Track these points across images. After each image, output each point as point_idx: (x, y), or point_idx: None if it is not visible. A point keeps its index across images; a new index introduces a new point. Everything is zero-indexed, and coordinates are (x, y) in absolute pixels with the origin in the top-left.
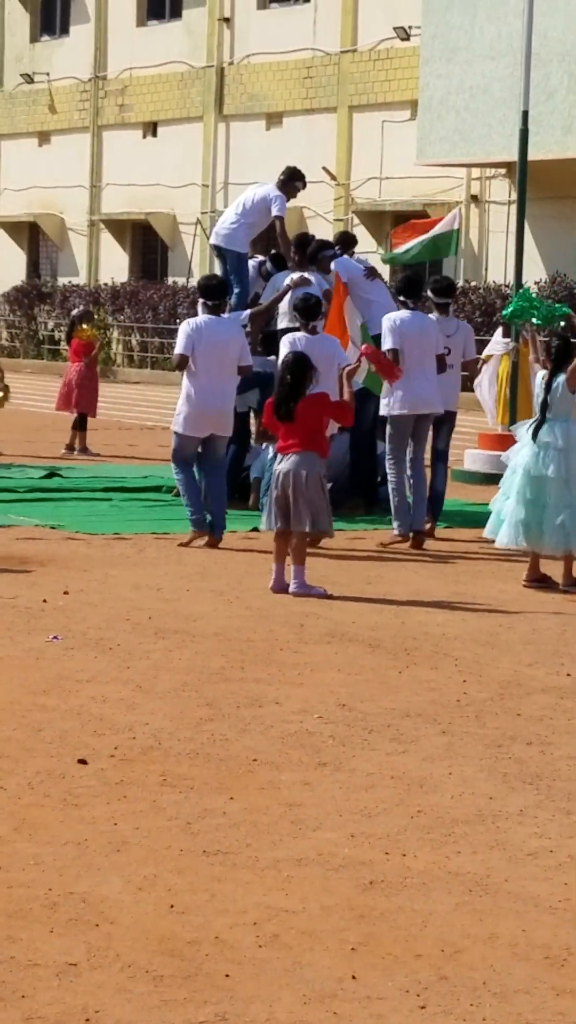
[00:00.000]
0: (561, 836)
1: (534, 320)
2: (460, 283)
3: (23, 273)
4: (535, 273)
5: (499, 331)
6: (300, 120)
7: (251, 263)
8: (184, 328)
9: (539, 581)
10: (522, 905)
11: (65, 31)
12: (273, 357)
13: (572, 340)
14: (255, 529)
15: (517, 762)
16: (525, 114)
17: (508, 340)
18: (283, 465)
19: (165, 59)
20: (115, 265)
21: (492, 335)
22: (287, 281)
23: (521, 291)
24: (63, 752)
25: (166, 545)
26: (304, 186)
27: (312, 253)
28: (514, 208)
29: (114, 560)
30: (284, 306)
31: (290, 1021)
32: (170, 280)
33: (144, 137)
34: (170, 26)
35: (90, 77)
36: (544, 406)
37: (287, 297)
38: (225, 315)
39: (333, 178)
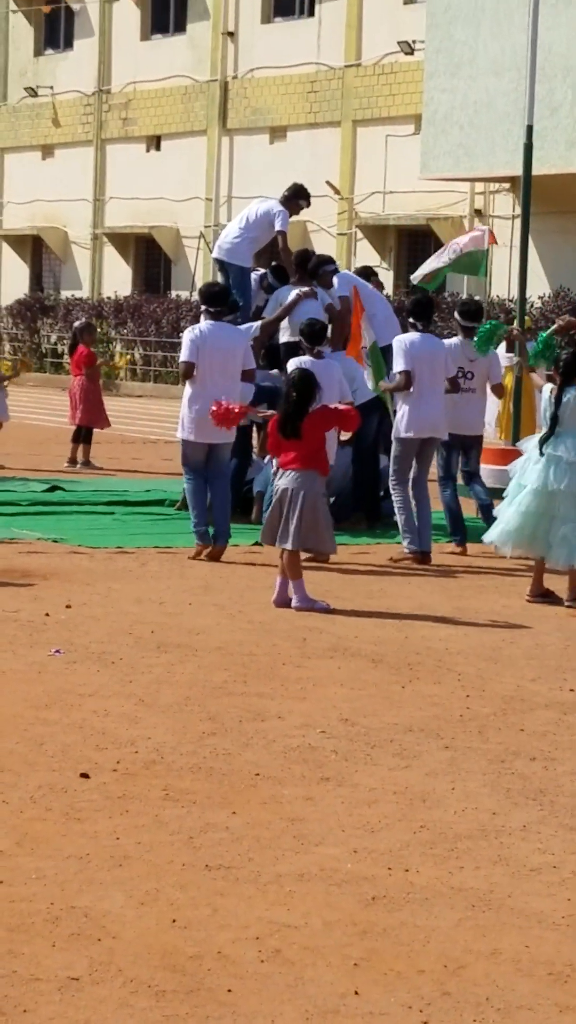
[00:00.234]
0: (564, 852)
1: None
2: (463, 298)
3: (26, 286)
4: (539, 288)
5: (502, 347)
6: (304, 134)
7: (253, 276)
8: (188, 335)
9: (543, 596)
10: (525, 921)
11: (69, 45)
12: (276, 371)
13: None
14: (258, 543)
15: (520, 777)
16: (529, 129)
17: (512, 355)
18: (282, 482)
19: (169, 73)
20: (118, 278)
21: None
22: (295, 293)
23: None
24: (65, 766)
25: (169, 559)
26: (308, 204)
27: (313, 268)
28: (518, 223)
29: (117, 574)
30: (286, 320)
31: None
32: (173, 294)
33: (148, 151)
34: (174, 40)
35: (94, 91)
36: (554, 420)
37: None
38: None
39: (337, 192)
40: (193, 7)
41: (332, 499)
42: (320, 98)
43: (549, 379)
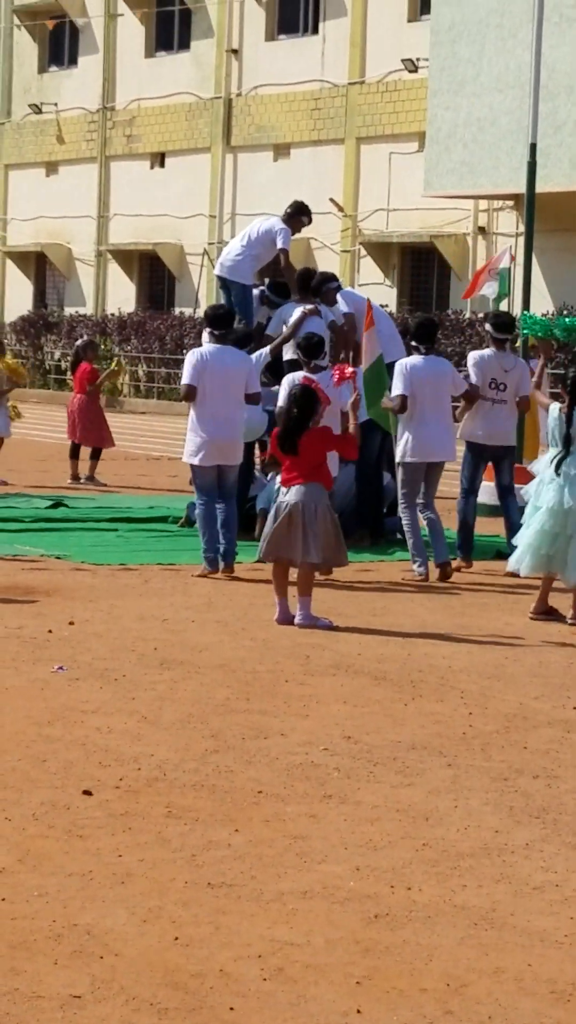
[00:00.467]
0: (567, 870)
1: (556, 332)
2: (467, 315)
3: (30, 303)
4: (542, 305)
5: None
6: (308, 151)
7: (254, 292)
8: (190, 359)
9: (546, 614)
10: (528, 939)
11: (73, 62)
12: (277, 387)
13: None
14: (260, 560)
15: (523, 795)
16: (533, 147)
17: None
18: (288, 497)
19: (173, 90)
20: (122, 295)
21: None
22: (299, 311)
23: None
24: (68, 783)
25: (172, 576)
26: (310, 221)
27: (316, 286)
28: (521, 240)
29: (120, 591)
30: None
31: None
32: (177, 310)
33: (152, 168)
34: (178, 57)
35: (98, 108)
36: (567, 440)
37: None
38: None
39: (340, 209)
40: (197, 24)
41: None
42: (324, 115)
43: (554, 397)
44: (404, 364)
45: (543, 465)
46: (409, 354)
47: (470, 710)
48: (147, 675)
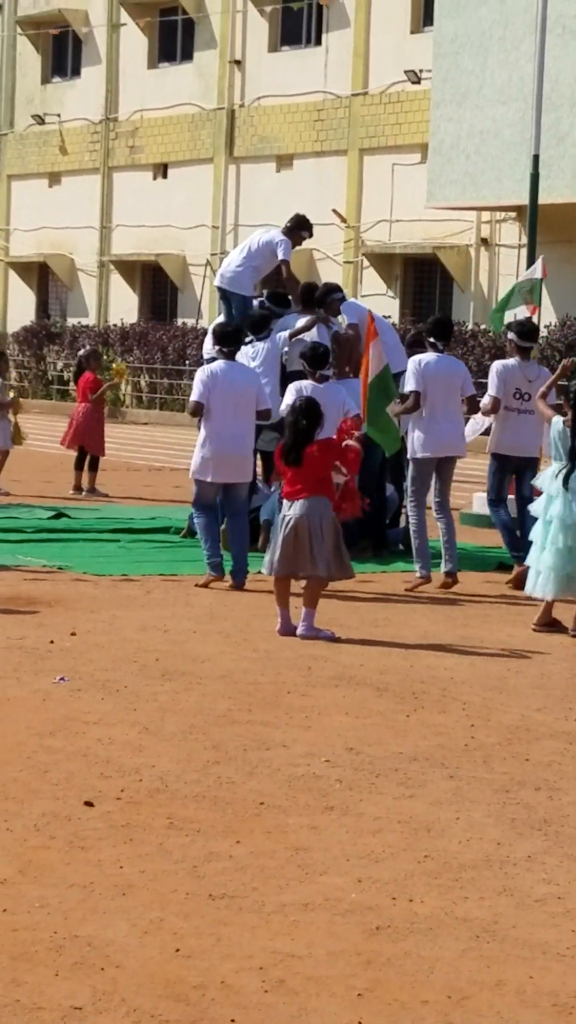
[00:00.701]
0: (569, 882)
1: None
2: (470, 326)
3: (32, 313)
4: (545, 317)
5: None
6: (310, 162)
7: (254, 303)
8: (199, 375)
9: (549, 626)
10: (530, 952)
11: (76, 72)
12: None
13: None
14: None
15: (525, 807)
16: (536, 158)
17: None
18: (293, 511)
19: (176, 101)
20: (124, 306)
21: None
22: (310, 318)
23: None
24: (69, 794)
25: (173, 587)
26: (310, 235)
27: (320, 297)
28: (524, 251)
29: (121, 601)
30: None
31: None
32: (179, 321)
33: (154, 178)
34: (181, 68)
35: (101, 118)
36: (573, 453)
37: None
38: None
39: (343, 220)
40: (200, 35)
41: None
42: (327, 126)
43: (557, 409)
44: (417, 361)
45: (547, 479)
46: (423, 351)
47: (472, 722)
48: (149, 686)
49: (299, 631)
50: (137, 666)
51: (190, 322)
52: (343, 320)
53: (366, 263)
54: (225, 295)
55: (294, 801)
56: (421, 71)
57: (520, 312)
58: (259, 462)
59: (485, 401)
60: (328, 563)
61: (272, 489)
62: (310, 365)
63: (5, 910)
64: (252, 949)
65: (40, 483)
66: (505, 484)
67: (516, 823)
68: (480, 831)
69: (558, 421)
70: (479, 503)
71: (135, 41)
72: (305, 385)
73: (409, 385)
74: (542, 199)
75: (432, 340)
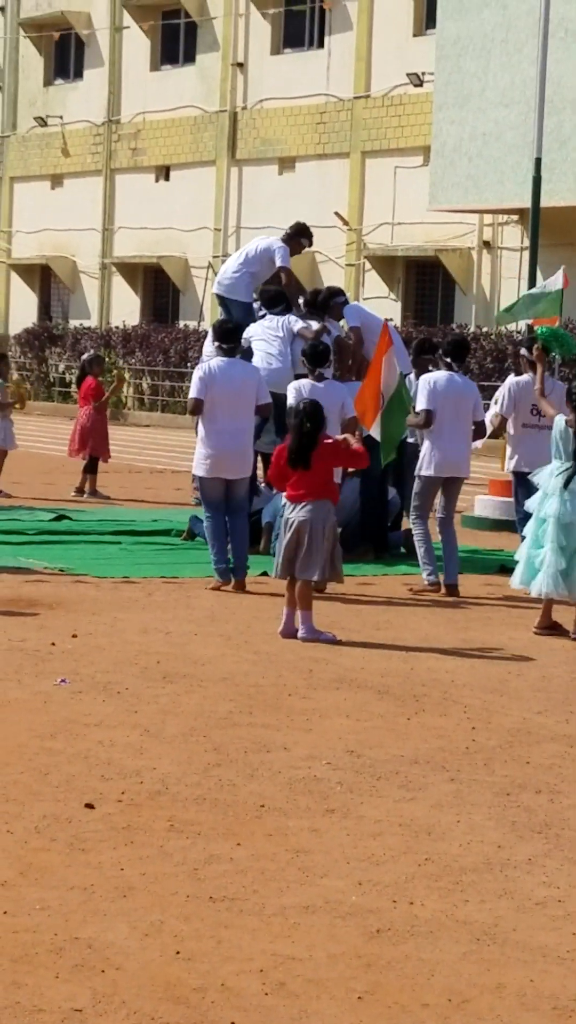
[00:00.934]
0: (570, 885)
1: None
2: (471, 329)
3: (35, 315)
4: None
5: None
6: (313, 165)
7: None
8: (197, 372)
9: (549, 628)
10: (530, 955)
11: (79, 75)
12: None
13: None
14: (264, 573)
15: (526, 810)
16: (538, 161)
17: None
18: (297, 514)
19: (178, 103)
20: (126, 308)
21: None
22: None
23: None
24: (70, 796)
25: (175, 589)
26: (310, 244)
27: (324, 301)
28: (526, 255)
29: (123, 603)
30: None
31: None
32: (181, 324)
33: (157, 181)
34: (184, 71)
35: (103, 121)
36: (575, 454)
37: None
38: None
39: (345, 223)
40: (203, 38)
41: (340, 529)
42: (329, 129)
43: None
44: (428, 380)
45: (545, 476)
46: (430, 356)
47: (473, 725)
48: (150, 688)
49: (300, 634)
50: (138, 668)
51: (192, 324)
52: (344, 324)
53: (368, 266)
54: (224, 302)
55: (295, 804)
56: (423, 74)
57: (526, 323)
58: (260, 464)
59: (490, 416)
60: (323, 568)
61: (273, 491)
62: (310, 363)
63: (6, 912)
64: (252, 951)
65: (42, 485)
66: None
67: (517, 826)
68: (481, 834)
69: (560, 420)
70: (481, 506)
71: (137, 43)
72: (304, 384)
73: (420, 403)
74: (544, 202)
75: (448, 360)
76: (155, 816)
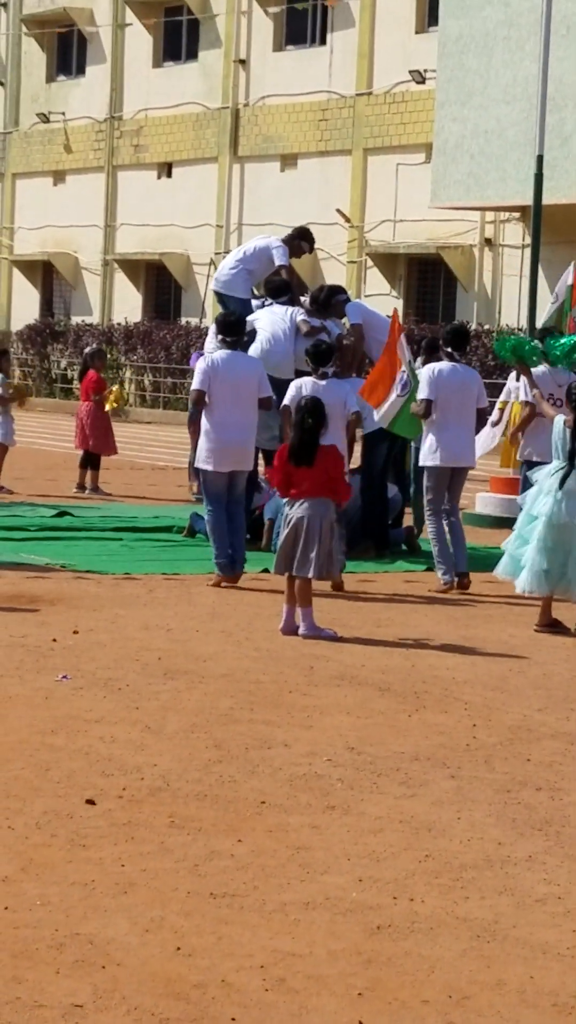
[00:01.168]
0: (570, 883)
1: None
2: (473, 326)
3: (36, 312)
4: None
5: (512, 376)
6: (315, 162)
7: (254, 303)
8: (200, 364)
9: (550, 626)
10: (530, 951)
11: (81, 71)
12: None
13: None
14: (265, 570)
15: (526, 808)
16: (540, 158)
17: (519, 384)
18: (296, 511)
19: (180, 100)
20: (128, 305)
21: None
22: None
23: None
24: (71, 792)
25: (176, 585)
26: (311, 249)
27: (325, 299)
28: (528, 252)
29: (124, 600)
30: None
31: None
32: (183, 320)
33: (159, 177)
34: (186, 67)
35: (106, 117)
36: (572, 455)
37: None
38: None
39: (347, 220)
40: (205, 35)
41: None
42: (331, 126)
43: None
44: (432, 369)
45: (544, 475)
46: (438, 356)
47: (474, 722)
48: (151, 685)
49: (300, 631)
50: (139, 665)
51: (194, 321)
52: (346, 322)
53: (370, 263)
54: (222, 299)
55: (295, 800)
56: (426, 71)
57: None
58: (261, 460)
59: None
60: (321, 565)
61: (274, 488)
62: (314, 362)
63: (6, 908)
64: (253, 948)
65: (43, 481)
66: None
67: (517, 823)
68: (481, 831)
69: (559, 421)
70: (482, 503)
71: (140, 40)
72: (306, 382)
73: (422, 393)
74: (546, 199)
75: (448, 350)
76: (156, 812)
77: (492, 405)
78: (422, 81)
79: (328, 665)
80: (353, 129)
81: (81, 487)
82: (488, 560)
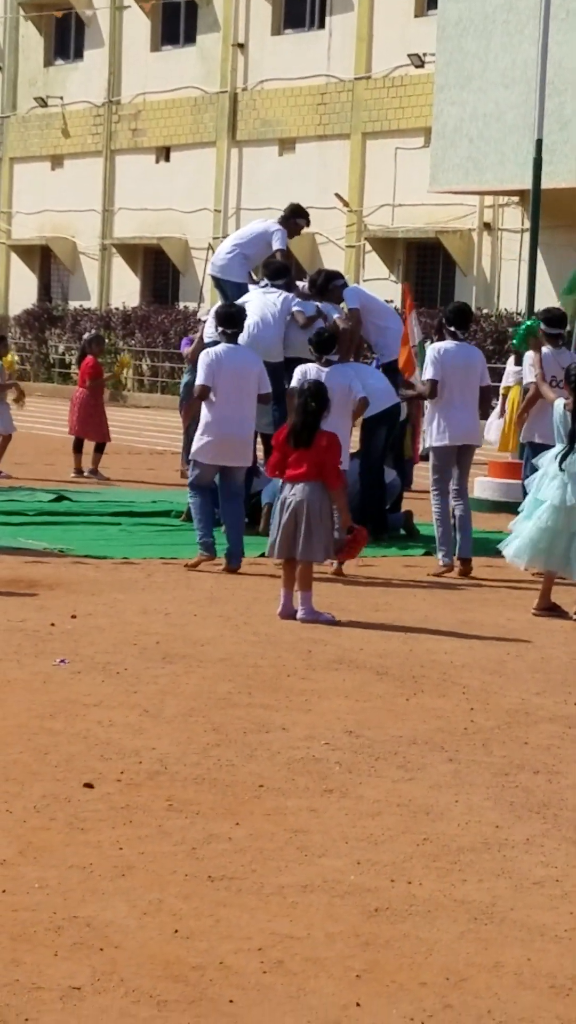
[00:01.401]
0: (567, 865)
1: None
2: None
3: (34, 296)
4: (547, 301)
5: (511, 360)
6: (313, 146)
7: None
8: (203, 359)
9: (549, 610)
10: (528, 934)
11: (79, 55)
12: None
13: None
14: (263, 555)
15: (524, 791)
16: (539, 142)
17: (519, 368)
18: (294, 494)
19: (179, 84)
20: (126, 289)
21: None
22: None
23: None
24: (69, 776)
25: (174, 570)
26: (308, 223)
27: (322, 285)
28: (527, 236)
29: (122, 584)
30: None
31: None
32: (181, 305)
33: (157, 162)
34: (184, 51)
35: (104, 101)
36: (572, 436)
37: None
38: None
39: (346, 205)
40: (203, 18)
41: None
42: (330, 110)
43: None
44: (436, 348)
45: (548, 459)
46: (443, 339)
47: (472, 705)
48: (149, 669)
49: (299, 615)
50: (137, 649)
51: (192, 306)
52: (344, 307)
53: (368, 247)
54: (219, 283)
55: (293, 784)
56: (425, 55)
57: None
58: (260, 445)
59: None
60: (325, 548)
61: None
62: (317, 350)
63: (5, 891)
64: (251, 930)
65: (42, 466)
66: None
67: (515, 806)
68: (479, 814)
69: (559, 404)
70: (480, 488)
71: (138, 24)
72: (310, 368)
73: (427, 373)
74: (545, 184)
75: (452, 329)
76: (154, 796)
77: (494, 390)
78: (421, 65)
79: (326, 649)
80: (352, 113)
81: (78, 471)
82: (486, 544)
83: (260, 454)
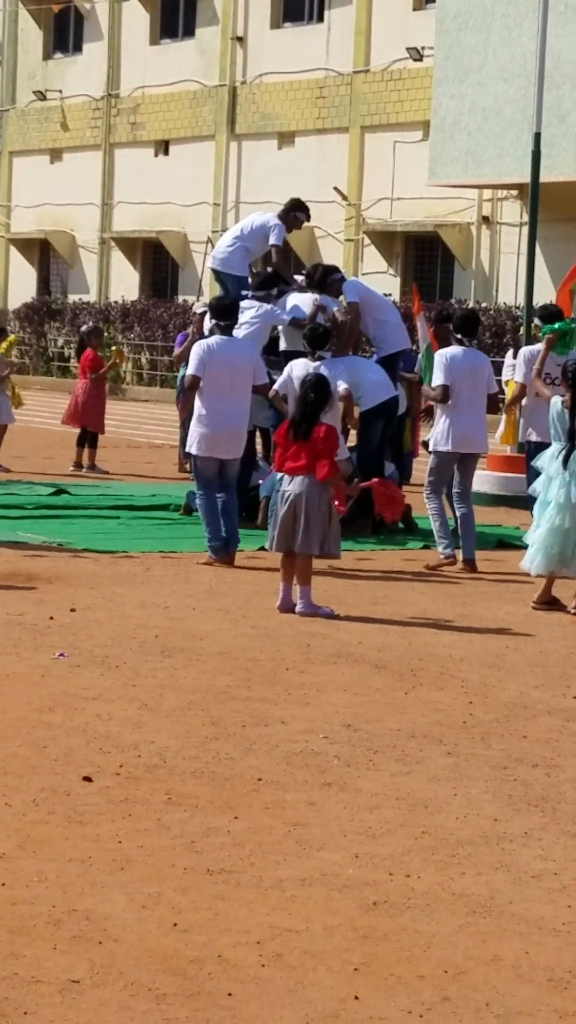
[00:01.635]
0: (566, 858)
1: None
2: (470, 304)
3: (33, 290)
4: (546, 295)
5: (509, 353)
6: (312, 140)
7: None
8: (196, 349)
9: (548, 603)
10: (526, 927)
11: (78, 49)
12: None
13: None
14: (262, 548)
15: (522, 784)
16: (537, 136)
17: (515, 363)
18: (293, 487)
19: (178, 77)
20: (125, 283)
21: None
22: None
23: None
24: (68, 769)
25: (173, 564)
26: (307, 218)
27: (320, 279)
28: (525, 230)
29: (121, 578)
30: (287, 330)
31: None
32: (180, 299)
33: (156, 155)
34: (183, 45)
35: (103, 95)
36: (572, 433)
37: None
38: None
39: (344, 198)
40: (202, 12)
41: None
42: (328, 104)
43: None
44: (444, 354)
45: (547, 460)
46: (446, 326)
47: (470, 699)
48: (148, 662)
49: (298, 608)
50: (136, 642)
51: (191, 299)
52: (343, 300)
53: (367, 241)
54: (220, 276)
55: (292, 777)
56: (423, 48)
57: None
58: (260, 439)
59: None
60: (322, 541)
61: (272, 466)
62: (310, 345)
63: (4, 884)
64: (249, 924)
65: (41, 460)
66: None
67: (513, 800)
68: (477, 807)
69: (557, 402)
70: (479, 481)
71: (137, 17)
72: (296, 364)
73: (437, 379)
74: (544, 177)
75: (459, 336)
76: (153, 789)
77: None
78: (420, 58)
79: (325, 643)
80: (350, 107)
81: (78, 465)
82: (485, 538)
83: (260, 448)
